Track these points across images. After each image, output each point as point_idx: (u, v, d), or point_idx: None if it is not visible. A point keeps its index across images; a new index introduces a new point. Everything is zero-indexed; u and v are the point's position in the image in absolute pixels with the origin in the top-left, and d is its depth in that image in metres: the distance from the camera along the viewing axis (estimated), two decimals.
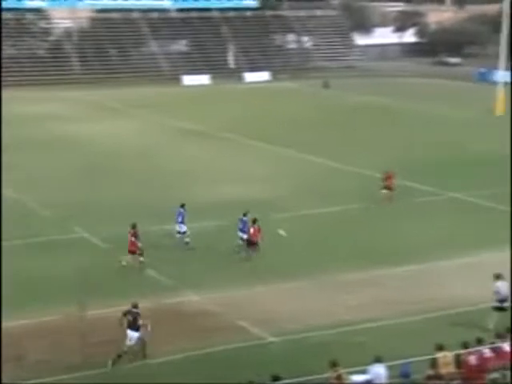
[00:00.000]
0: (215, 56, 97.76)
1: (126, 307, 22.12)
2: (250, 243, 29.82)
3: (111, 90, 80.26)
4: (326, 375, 18.49)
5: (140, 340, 21.75)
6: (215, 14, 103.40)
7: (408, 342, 22.28)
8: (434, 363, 19.43)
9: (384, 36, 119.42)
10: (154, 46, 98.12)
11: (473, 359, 19.53)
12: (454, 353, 19.67)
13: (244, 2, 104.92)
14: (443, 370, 19.38)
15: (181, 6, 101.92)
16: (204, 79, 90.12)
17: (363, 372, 19.05)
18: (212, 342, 22.62)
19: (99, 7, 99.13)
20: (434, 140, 53.84)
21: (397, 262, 29.41)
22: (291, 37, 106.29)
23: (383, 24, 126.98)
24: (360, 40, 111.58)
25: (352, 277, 27.91)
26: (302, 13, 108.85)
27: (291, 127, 58.81)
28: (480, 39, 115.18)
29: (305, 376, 18.44)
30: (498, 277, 24.24)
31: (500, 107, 65.41)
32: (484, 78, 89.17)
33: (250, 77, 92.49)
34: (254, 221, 29.97)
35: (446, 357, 19.52)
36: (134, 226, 29.25)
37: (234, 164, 46.77)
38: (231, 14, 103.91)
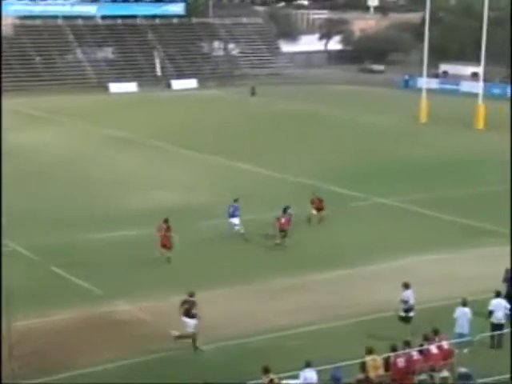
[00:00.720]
0: (142, 63, 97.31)
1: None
2: (282, 231, 32.27)
3: (36, 98, 79.10)
4: (259, 381, 18.68)
5: (196, 326, 23.09)
6: (141, 21, 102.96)
7: (339, 346, 22.64)
8: (363, 367, 19.81)
9: (310, 43, 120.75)
10: (79, 54, 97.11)
11: (401, 362, 19.99)
12: (383, 356, 20.10)
13: (170, 9, 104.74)
14: (372, 374, 19.78)
15: (106, 13, 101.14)
16: (131, 87, 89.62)
17: (295, 377, 19.31)
18: (146, 351, 22.59)
19: (23, 14, 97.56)
20: (362, 147, 54.67)
21: (327, 266, 29.83)
22: (218, 44, 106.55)
23: (309, 31, 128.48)
24: (286, 47, 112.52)
25: (284, 282, 28.20)
26: (228, 20, 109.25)
27: (219, 135, 58.99)
28: (403, 46, 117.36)
29: (239, 382, 18.58)
30: (406, 286, 24.23)
31: (424, 114, 66.80)
32: (408, 85, 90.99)
33: (177, 84, 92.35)
34: (285, 210, 32.62)
35: (375, 360, 19.93)
36: (166, 221, 30.59)
37: (162, 172, 46.68)
38: (157, 21, 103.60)
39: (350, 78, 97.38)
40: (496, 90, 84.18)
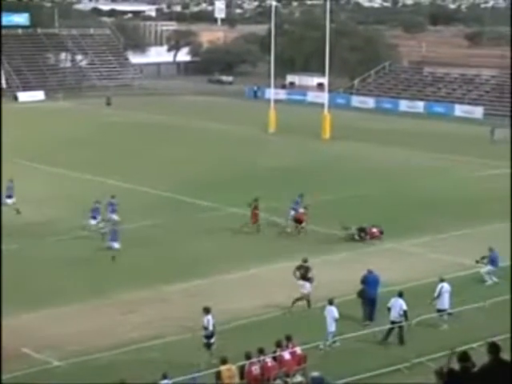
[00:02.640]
0: None
1: None
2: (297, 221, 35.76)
3: None
4: None
5: (311, 289, 26.29)
6: None
7: (195, 356, 22.62)
8: (218, 376, 19.88)
9: (159, 55, 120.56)
10: None
11: (256, 369, 20.18)
12: (237, 364, 20.24)
13: (14, 20, 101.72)
14: (228, 383, 19.87)
15: None
16: None
17: None
18: None
19: None
20: (215, 157, 55.01)
21: (183, 277, 29.78)
22: (65, 55, 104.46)
23: (158, 43, 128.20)
24: (135, 59, 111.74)
25: (137, 295, 27.91)
26: (75, 31, 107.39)
27: (69, 147, 57.73)
28: (251, 58, 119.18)
29: None
30: (206, 310, 22.78)
31: (272, 124, 68.00)
32: (257, 96, 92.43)
33: (23, 96, 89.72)
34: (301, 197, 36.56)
35: (230, 369, 20.03)
36: (256, 200, 35.31)
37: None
38: (1, 31, 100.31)
39: (200, 89, 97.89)
40: (340, 100, 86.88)
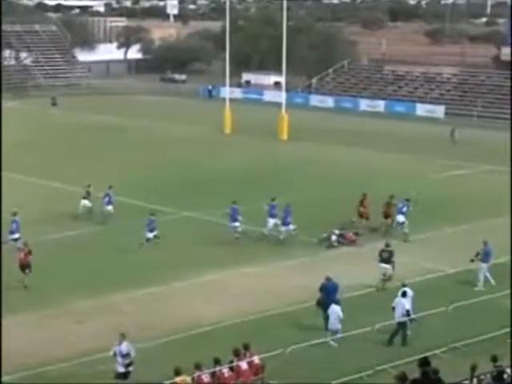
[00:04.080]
0: None
1: None
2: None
3: None
4: None
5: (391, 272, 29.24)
6: None
7: (150, 368, 22.57)
8: None
9: (108, 52, 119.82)
10: None
11: (206, 377, 20.14)
12: (192, 375, 20.24)
13: None
14: None
15: None
16: None
17: None
18: None
19: None
20: (168, 159, 54.81)
21: (135, 285, 29.65)
22: (9, 53, 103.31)
23: (107, 40, 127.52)
24: (83, 56, 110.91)
25: (86, 305, 27.74)
26: (19, 27, 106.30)
27: (17, 149, 56.98)
28: (205, 56, 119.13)
29: None
30: (123, 336, 21.77)
31: (228, 125, 68.05)
32: (212, 95, 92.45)
33: None
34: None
35: (184, 381, 20.02)
36: (364, 196, 37.48)
37: None
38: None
39: (152, 88, 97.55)
40: (298, 100, 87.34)
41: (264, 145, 61.18)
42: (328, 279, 26.52)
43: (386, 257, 29.90)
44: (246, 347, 21.36)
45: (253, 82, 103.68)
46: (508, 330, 24.58)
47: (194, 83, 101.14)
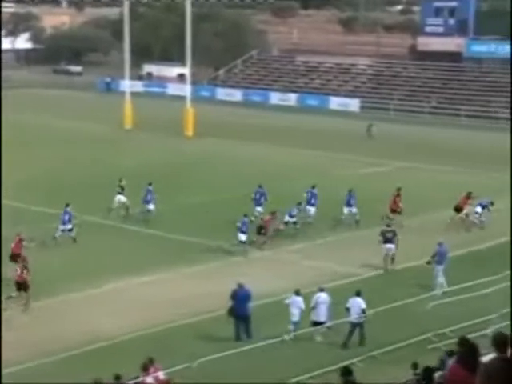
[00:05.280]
0: None
1: None
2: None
3: None
4: None
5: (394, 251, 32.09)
6: None
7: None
8: None
9: None
10: None
11: None
12: None
13: None
14: None
15: None
16: None
17: None
18: None
19: None
20: (62, 157, 54.10)
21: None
22: None
23: None
24: None
25: None
26: None
27: None
28: (102, 46, 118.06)
29: None
30: None
31: (129, 120, 67.53)
32: (110, 88, 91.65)
33: None
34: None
35: None
36: (398, 189, 39.48)
37: None
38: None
39: (44, 81, 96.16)
40: (204, 93, 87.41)
41: (168, 141, 60.99)
42: (240, 286, 26.48)
43: (390, 237, 32.39)
44: (151, 361, 21.20)
45: (155, 73, 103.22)
46: (428, 335, 25.10)
47: (91, 75, 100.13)
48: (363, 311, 25.48)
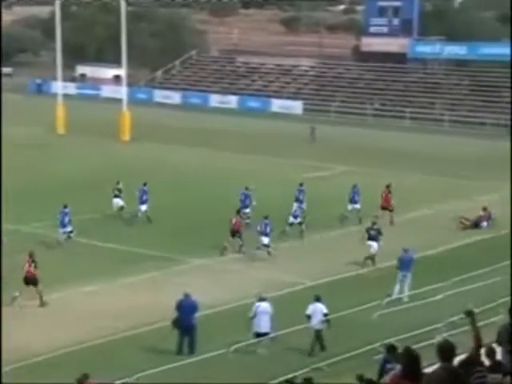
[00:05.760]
0: None
1: None
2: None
3: None
4: None
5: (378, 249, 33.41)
6: None
7: None
8: None
9: None
10: None
11: None
12: None
13: None
14: None
15: None
16: None
17: None
18: None
19: None
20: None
21: None
22: None
23: None
24: None
25: None
26: None
27: None
28: (32, 46, 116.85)
29: None
30: None
31: (62, 124, 66.93)
32: (41, 91, 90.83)
33: None
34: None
35: None
36: (388, 186, 40.61)
37: None
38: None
39: None
40: (141, 95, 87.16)
41: (103, 146, 60.60)
42: (186, 296, 26.31)
43: (374, 234, 33.87)
44: (85, 377, 21.03)
45: (89, 75, 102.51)
46: (375, 345, 25.33)
47: (21, 77, 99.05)
48: (325, 315, 25.80)
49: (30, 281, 29.68)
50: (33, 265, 29.79)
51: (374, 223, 34.60)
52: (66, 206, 36.80)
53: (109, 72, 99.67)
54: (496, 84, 78.86)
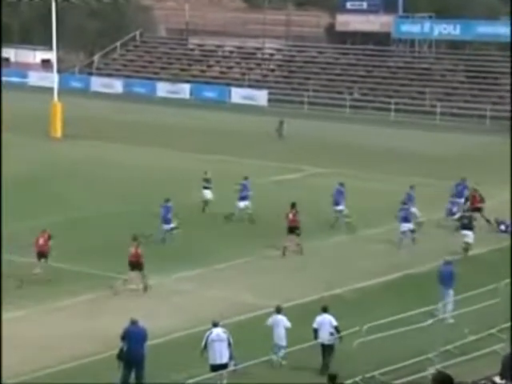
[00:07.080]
0: None
1: None
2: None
3: None
4: None
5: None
6: None
7: None
8: None
9: None
10: None
11: None
12: None
13: None
14: None
15: None
16: None
17: None
18: None
19: None
20: None
21: None
22: None
23: None
24: None
25: None
26: None
27: None
28: None
29: None
30: None
31: None
32: None
33: None
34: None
35: None
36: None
37: None
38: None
39: None
40: (76, 83, 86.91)
41: (31, 144, 60.23)
42: (133, 322, 25.96)
43: (466, 222, 37.56)
44: None
45: (13, 59, 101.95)
46: (356, 379, 25.28)
47: None
48: (336, 328, 26.17)
49: (136, 265, 32.89)
50: (139, 249, 33.00)
51: (465, 210, 39.56)
52: (168, 200, 39.37)
53: (37, 56, 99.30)
54: (494, 70, 79.33)
